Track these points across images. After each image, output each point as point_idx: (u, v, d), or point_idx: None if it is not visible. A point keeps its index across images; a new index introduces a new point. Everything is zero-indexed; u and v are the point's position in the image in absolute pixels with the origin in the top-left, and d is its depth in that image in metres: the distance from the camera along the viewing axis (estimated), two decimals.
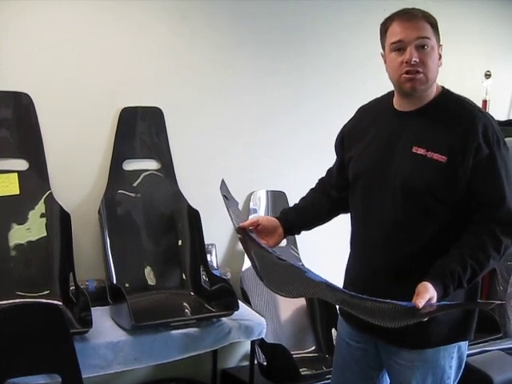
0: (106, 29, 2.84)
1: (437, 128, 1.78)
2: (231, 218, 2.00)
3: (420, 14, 1.77)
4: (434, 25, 1.78)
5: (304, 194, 2.15)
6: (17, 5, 2.64)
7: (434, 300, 1.62)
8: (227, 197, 2.03)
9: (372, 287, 1.80)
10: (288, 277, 1.73)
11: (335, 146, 2.11)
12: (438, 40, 1.79)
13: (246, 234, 1.94)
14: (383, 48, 1.84)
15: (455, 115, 1.78)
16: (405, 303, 1.58)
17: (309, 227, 2.12)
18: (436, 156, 1.74)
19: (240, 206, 3.28)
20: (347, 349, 2.03)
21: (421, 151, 1.77)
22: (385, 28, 1.81)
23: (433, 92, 1.82)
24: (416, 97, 1.80)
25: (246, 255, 1.87)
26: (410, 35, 1.74)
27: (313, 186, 2.17)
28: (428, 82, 1.77)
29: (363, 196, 1.92)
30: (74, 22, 2.76)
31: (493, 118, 1.81)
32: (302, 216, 2.08)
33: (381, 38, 1.85)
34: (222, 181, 2.11)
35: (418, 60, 1.73)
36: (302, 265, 1.78)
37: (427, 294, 1.60)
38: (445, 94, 1.85)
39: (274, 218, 2.04)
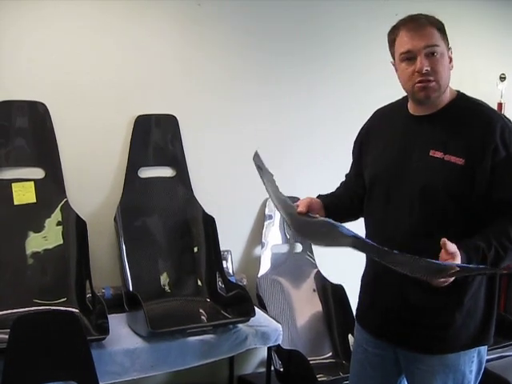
0: (119, 38, 2.86)
1: (453, 131, 1.77)
2: (265, 187, 1.95)
3: (426, 20, 1.75)
4: (441, 29, 1.76)
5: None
6: (31, 16, 2.67)
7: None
8: (261, 167, 1.97)
9: (392, 291, 1.84)
10: (321, 232, 1.72)
11: (353, 152, 2.09)
12: (447, 44, 1.78)
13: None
14: (393, 57, 1.83)
15: (471, 118, 1.77)
16: (437, 261, 1.55)
17: (343, 216, 2.04)
18: (453, 159, 1.73)
19: (255, 212, 3.30)
20: (365, 355, 2.01)
21: (438, 154, 1.75)
22: (392, 38, 1.80)
23: (446, 97, 1.81)
24: (430, 103, 1.79)
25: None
26: (419, 44, 1.72)
27: (328, 191, 2.14)
28: (440, 88, 1.76)
29: (380, 201, 1.90)
30: (88, 32, 2.79)
31: (510, 120, 1.80)
32: (339, 205, 2.04)
33: (389, 48, 1.83)
34: (256, 152, 2.03)
35: (429, 68, 1.72)
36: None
37: (456, 255, 1.56)
38: (460, 98, 1.83)
39: (319, 201, 1.98)
